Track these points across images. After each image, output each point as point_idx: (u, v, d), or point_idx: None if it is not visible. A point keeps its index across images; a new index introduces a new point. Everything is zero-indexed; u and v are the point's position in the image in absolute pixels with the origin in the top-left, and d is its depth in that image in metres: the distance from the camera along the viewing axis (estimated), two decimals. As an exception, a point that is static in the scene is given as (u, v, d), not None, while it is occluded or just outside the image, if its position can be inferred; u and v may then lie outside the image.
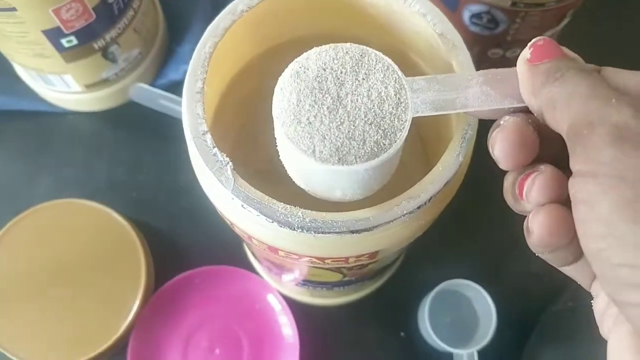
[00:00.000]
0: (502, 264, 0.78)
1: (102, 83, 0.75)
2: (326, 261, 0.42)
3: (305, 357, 0.70)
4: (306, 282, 0.59)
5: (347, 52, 0.34)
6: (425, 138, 0.55)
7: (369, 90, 0.33)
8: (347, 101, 0.33)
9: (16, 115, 0.82)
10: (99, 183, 0.80)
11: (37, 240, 0.74)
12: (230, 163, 0.38)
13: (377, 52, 0.34)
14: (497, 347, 0.69)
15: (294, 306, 0.71)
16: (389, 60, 0.34)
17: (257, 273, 0.74)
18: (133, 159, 0.82)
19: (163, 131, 0.80)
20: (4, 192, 0.81)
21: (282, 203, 0.37)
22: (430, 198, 0.37)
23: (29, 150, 0.82)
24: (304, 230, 0.37)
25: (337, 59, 0.33)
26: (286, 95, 0.33)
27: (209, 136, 0.38)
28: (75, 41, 0.64)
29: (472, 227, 0.78)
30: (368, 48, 0.34)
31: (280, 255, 0.42)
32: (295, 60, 0.34)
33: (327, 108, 0.32)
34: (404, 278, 0.75)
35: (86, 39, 0.65)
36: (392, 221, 0.37)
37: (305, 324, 0.71)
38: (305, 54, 0.34)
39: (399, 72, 0.33)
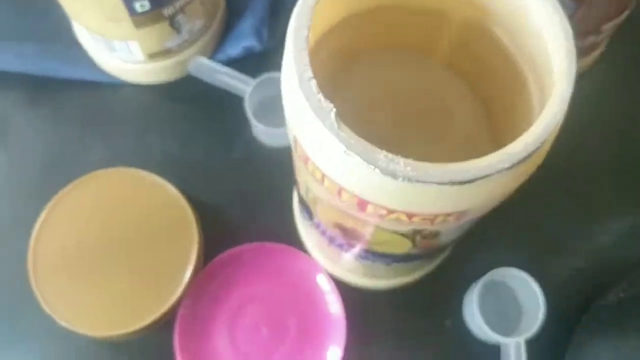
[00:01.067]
0: (548, 257, 0.77)
1: (164, 53, 0.76)
2: (414, 219, 0.42)
3: (351, 339, 0.70)
4: (367, 255, 0.59)
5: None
6: (492, 111, 0.55)
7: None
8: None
9: (71, 83, 0.83)
10: (152, 156, 0.81)
11: (90, 208, 0.74)
12: (334, 109, 0.38)
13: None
14: (543, 339, 0.68)
15: (342, 289, 0.71)
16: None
17: (307, 252, 0.74)
18: (188, 133, 0.82)
19: (220, 107, 0.81)
20: (57, 160, 0.81)
21: (384, 151, 0.37)
22: (530, 154, 0.38)
23: (83, 120, 0.83)
24: (406, 180, 0.37)
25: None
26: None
27: (314, 82, 0.39)
28: (147, 6, 0.65)
29: (520, 218, 0.78)
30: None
31: (367, 211, 0.42)
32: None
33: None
34: (450, 266, 0.75)
35: (158, 4, 0.66)
36: (491, 175, 0.37)
37: (352, 307, 0.71)
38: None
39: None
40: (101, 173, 0.75)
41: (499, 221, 0.74)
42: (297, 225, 0.74)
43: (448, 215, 0.42)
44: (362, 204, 0.42)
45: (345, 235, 0.54)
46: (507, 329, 0.68)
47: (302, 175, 0.50)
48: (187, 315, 0.71)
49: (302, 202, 0.59)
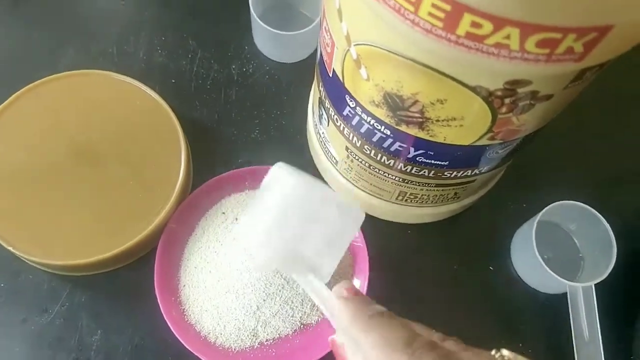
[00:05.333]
0: (614, 194, 0.63)
1: None
2: (526, 44, 0.27)
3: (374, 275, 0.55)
4: (413, 160, 0.44)
5: None
6: None
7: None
8: None
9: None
10: (133, 62, 0.65)
11: (53, 115, 0.57)
12: None
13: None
14: (611, 283, 0.54)
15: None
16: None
17: (319, 175, 0.59)
18: (176, 41, 0.66)
19: (218, 13, 0.66)
20: (18, 63, 0.64)
21: None
22: None
23: (53, 18, 0.67)
24: None
25: None
26: None
27: None
28: None
29: (578, 148, 0.64)
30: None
31: (461, 25, 0.27)
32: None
33: None
34: (494, 204, 0.60)
35: None
36: None
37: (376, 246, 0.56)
38: None
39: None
40: (66, 75, 0.59)
41: (554, 153, 0.61)
42: (311, 144, 0.58)
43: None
44: (457, 12, 0.27)
45: (398, 110, 0.38)
46: (565, 275, 0.53)
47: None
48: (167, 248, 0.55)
49: (331, 95, 0.44)
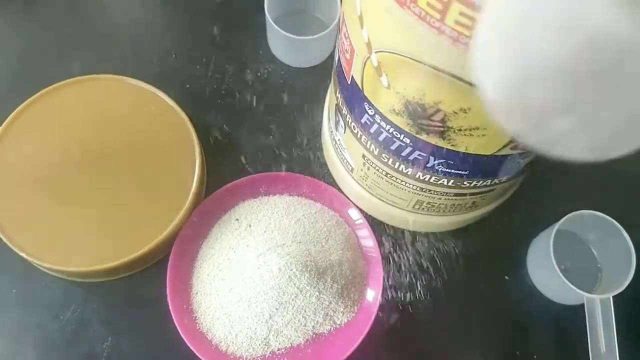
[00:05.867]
0: (634, 204, 0.62)
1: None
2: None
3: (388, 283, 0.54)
4: (431, 169, 0.43)
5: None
6: None
7: None
8: None
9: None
10: (147, 67, 0.64)
11: (67, 120, 0.57)
12: None
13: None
14: (629, 295, 0.52)
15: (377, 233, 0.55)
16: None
17: (336, 184, 0.58)
18: (190, 45, 0.65)
19: (233, 18, 0.65)
20: (31, 66, 0.64)
21: None
22: None
23: (65, 21, 0.66)
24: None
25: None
26: None
27: None
28: None
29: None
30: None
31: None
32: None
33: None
34: (512, 212, 0.59)
35: None
36: None
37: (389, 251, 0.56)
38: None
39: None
40: (80, 80, 0.59)
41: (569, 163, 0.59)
42: (326, 150, 0.58)
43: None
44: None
45: (419, 118, 0.37)
46: (583, 286, 0.52)
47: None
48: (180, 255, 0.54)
49: (349, 102, 0.43)
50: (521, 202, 0.59)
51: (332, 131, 0.53)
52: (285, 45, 0.62)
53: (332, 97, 0.50)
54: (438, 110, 0.35)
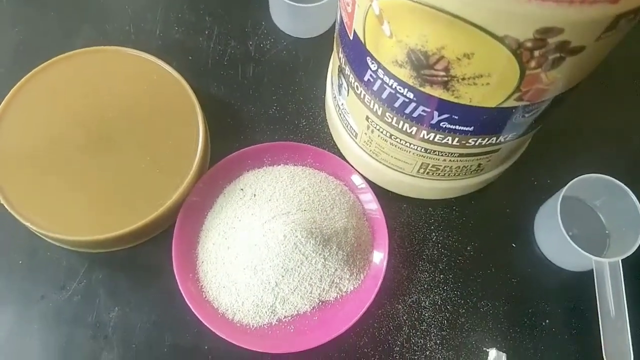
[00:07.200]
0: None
1: None
2: None
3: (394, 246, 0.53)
4: (437, 126, 0.42)
5: None
6: None
7: None
8: None
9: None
10: (149, 40, 0.64)
11: (70, 91, 0.56)
12: None
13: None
14: (638, 258, 0.52)
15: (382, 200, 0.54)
16: None
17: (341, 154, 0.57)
18: (192, 18, 0.65)
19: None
20: (34, 42, 0.63)
21: None
22: None
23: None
24: None
25: None
26: None
27: None
28: None
29: (602, 120, 0.62)
30: None
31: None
32: None
33: None
34: (518, 178, 0.58)
35: None
36: None
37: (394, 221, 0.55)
38: None
39: None
40: (80, 52, 0.58)
41: (573, 126, 0.59)
42: (330, 118, 0.57)
43: None
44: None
45: (422, 69, 0.37)
46: (591, 252, 0.51)
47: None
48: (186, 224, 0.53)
49: (352, 59, 0.43)
50: (526, 170, 0.58)
51: (335, 97, 0.53)
52: (287, 15, 0.61)
53: (334, 61, 0.50)
54: (441, 58, 0.34)
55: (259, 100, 0.61)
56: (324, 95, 0.58)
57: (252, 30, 0.64)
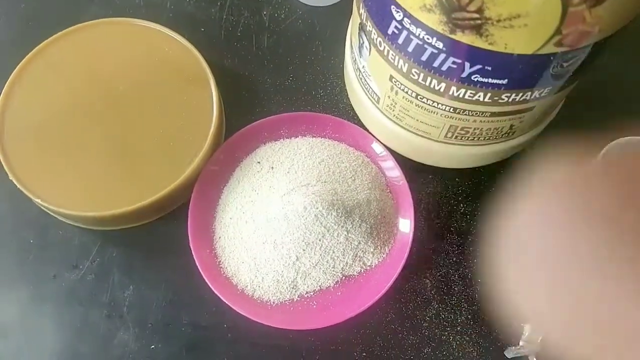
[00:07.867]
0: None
1: None
2: None
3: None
4: (468, 80, 0.39)
5: None
6: None
7: None
8: None
9: None
10: (161, 13, 0.61)
11: (80, 64, 0.54)
12: None
13: None
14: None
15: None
16: None
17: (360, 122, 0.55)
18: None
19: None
20: (42, 17, 0.62)
21: None
22: None
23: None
24: None
25: None
26: None
27: None
28: None
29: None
30: None
31: None
32: None
33: None
34: (548, 148, 0.55)
35: None
36: None
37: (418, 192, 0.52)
38: None
39: None
40: (90, 25, 0.56)
41: (607, 89, 0.55)
42: (349, 85, 0.54)
43: None
44: None
45: (453, 11, 0.34)
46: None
47: None
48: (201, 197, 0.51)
49: (374, 11, 0.40)
50: (557, 135, 0.55)
51: (355, 59, 0.50)
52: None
53: (354, 19, 0.47)
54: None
55: (274, 71, 0.58)
56: (342, 65, 0.56)
57: (265, 0, 0.61)
